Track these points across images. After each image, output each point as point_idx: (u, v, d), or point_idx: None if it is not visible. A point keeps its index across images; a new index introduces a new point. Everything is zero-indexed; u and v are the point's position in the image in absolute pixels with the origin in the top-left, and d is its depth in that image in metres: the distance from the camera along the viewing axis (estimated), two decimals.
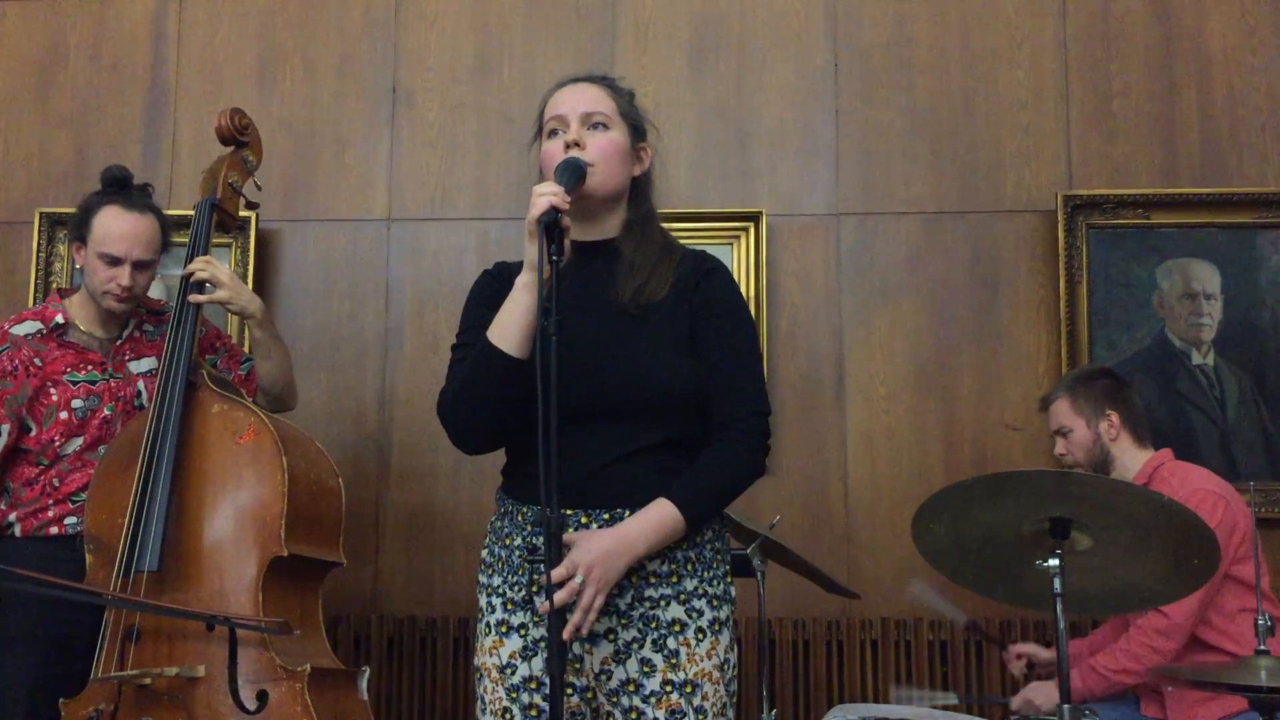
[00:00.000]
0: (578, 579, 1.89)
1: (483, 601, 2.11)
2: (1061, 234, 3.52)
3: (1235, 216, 3.54)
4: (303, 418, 3.10)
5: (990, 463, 3.47)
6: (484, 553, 2.15)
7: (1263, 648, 2.32)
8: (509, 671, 2.03)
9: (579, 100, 2.12)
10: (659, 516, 1.96)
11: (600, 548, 1.92)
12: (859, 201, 3.65)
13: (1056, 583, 2.24)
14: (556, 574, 1.86)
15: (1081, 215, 3.54)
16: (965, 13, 3.71)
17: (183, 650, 2.48)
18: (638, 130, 2.17)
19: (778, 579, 3.21)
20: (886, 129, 3.67)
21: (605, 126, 2.11)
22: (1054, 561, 2.25)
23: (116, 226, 2.78)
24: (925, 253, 3.62)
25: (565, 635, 1.86)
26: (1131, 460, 2.98)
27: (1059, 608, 2.24)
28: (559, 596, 1.86)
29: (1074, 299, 3.51)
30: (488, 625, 2.08)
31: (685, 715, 1.97)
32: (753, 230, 3.58)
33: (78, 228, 2.84)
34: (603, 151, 2.08)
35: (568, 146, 2.08)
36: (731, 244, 3.58)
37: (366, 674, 2.63)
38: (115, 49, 3.81)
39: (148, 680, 2.45)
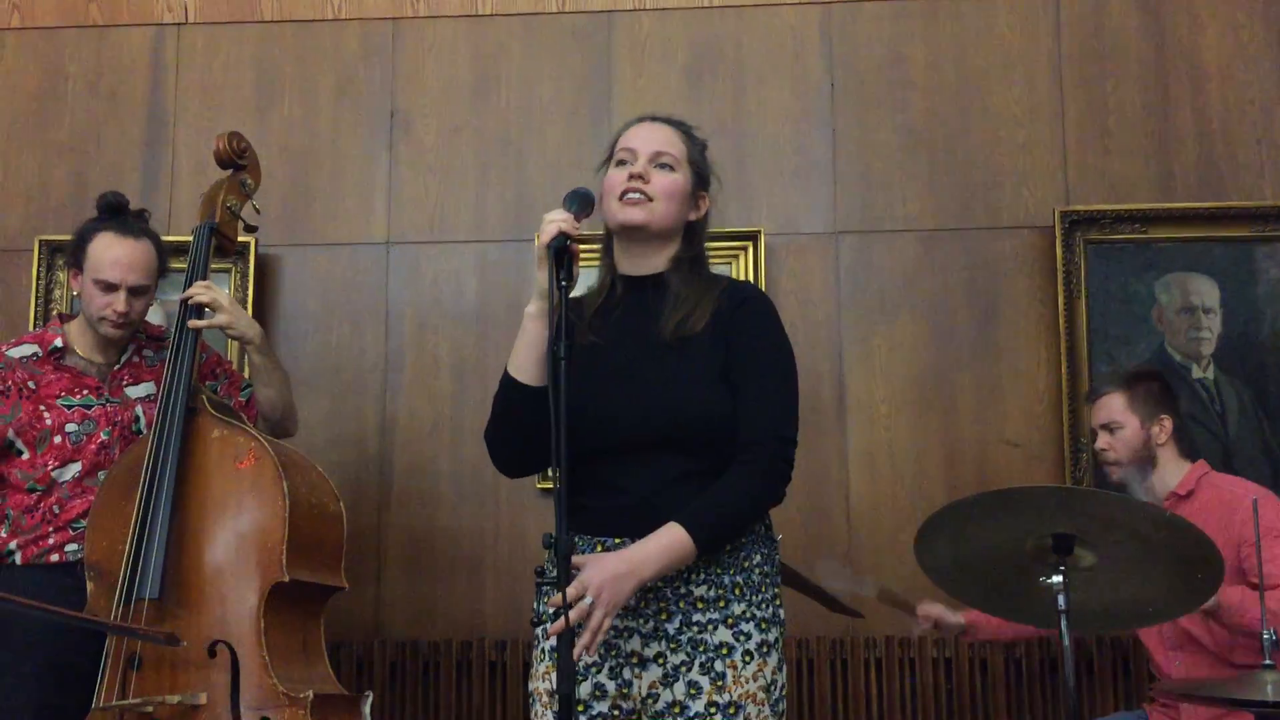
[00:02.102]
0: (587, 600, 1.90)
1: (538, 628, 2.14)
2: (1059, 250, 3.53)
3: (1232, 230, 3.54)
4: (303, 442, 3.10)
5: (991, 479, 3.46)
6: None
7: (1268, 662, 2.31)
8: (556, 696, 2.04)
9: (653, 138, 2.19)
10: (668, 541, 1.98)
11: (609, 570, 1.94)
12: (857, 220, 3.66)
13: (1061, 599, 2.24)
14: (572, 593, 1.88)
15: (1079, 231, 3.55)
16: (960, 31, 3.72)
17: (185, 678, 2.47)
18: (702, 178, 2.23)
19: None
20: (883, 147, 3.68)
21: (671, 168, 2.17)
22: (1058, 578, 2.24)
23: (111, 253, 2.78)
24: (923, 270, 3.62)
25: (575, 655, 1.88)
26: (1175, 468, 2.93)
27: (1063, 624, 2.23)
28: (570, 616, 1.88)
29: (1073, 314, 3.51)
30: (542, 651, 2.12)
31: None
32: (751, 250, 3.58)
33: (74, 254, 2.84)
34: (664, 189, 2.15)
35: (632, 178, 2.14)
36: (730, 264, 3.58)
37: (369, 699, 2.62)
38: (114, 77, 3.83)
39: (150, 708, 2.44)
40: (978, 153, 3.66)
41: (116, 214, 2.86)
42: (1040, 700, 3.39)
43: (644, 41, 3.76)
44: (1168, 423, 2.94)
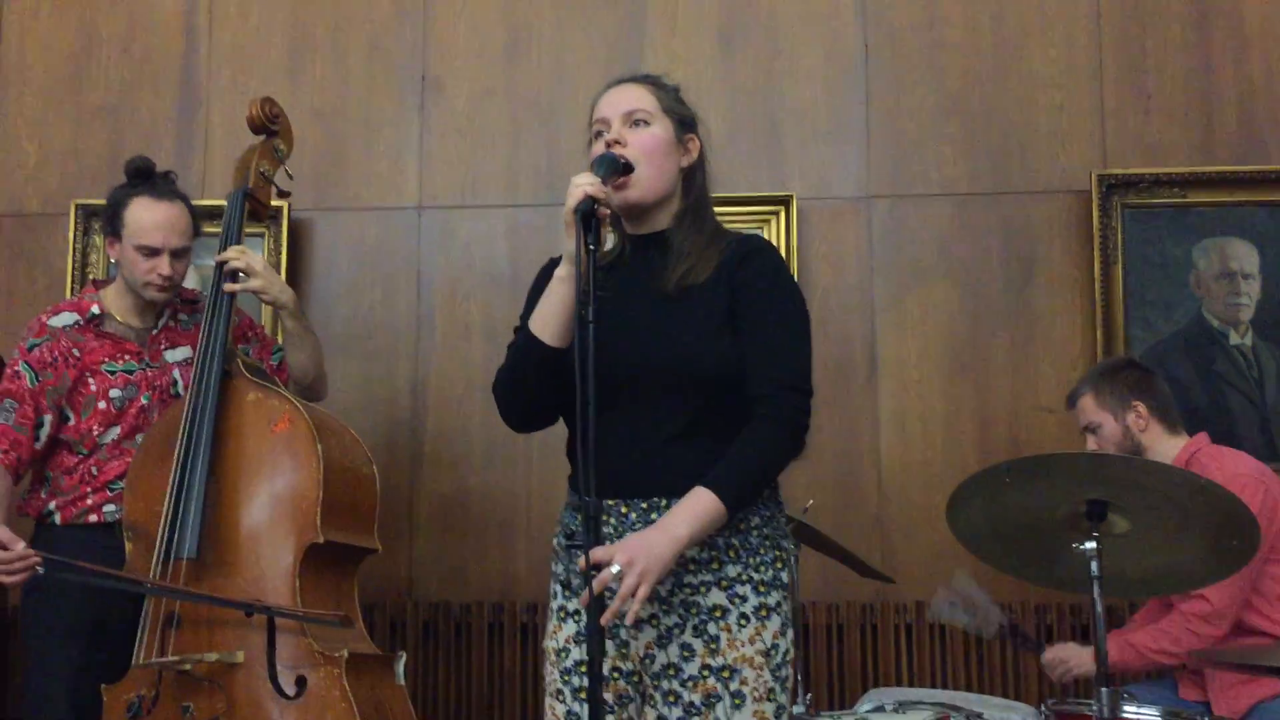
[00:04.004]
0: (614, 568, 1.89)
1: (550, 587, 2.16)
2: (1096, 214, 3.49)
3: (1273, 194, 3.49)
4: (336, 405, 3.12)
5: (1024, 445, 3.44)
6: (554, 540, 2.18)
7: None
8: (564, 655, 2.09)
9: (621, 101, 2.15)
10: (696, 504, 1.96)
11: (639, 538, 1.93)
12: (890, 184, 3.63)
13: (1094, 565, 2.23)
14: (597, 555, 1.88)
15: (1116, 195, 3.50)
16: None
17: (222, 636, 2.51)
18: (684, 123, 2.18)
19: (811, 563, 3.20)
20: (917, 110, 3.64)
21: (646, 123, 2.13)
22: (1091, 544, 2.23)
23: (149, 217, 2.80)
24: (958, 234, 3.59)
25: (603, 620, 1.87)
26: (1165, 448, 2.92)
27: (1096, 591, 2.23)
28: (595, 582, 1.87)
29: (1109, 279, 3.48)
30: (551, 610, 2.14)
31: (720, 700, 1.98)
32: (783, 214, 3.56)
33: (110, 222, 2.86)
34: (644, 148, 2.10)
35: (609, 145, 2.10)
36: (762, 228, 3.57)
37: (403, 659, 2.66)
38: (147, 41, 3.84)
39: (188, 666, 2.48)
40: (1013, 115, 3.62)
41: (146, 178, 2.87)
42: None
43: (677, 3, 3.73)
44: (1141, 407, 2.92)
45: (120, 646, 2.62)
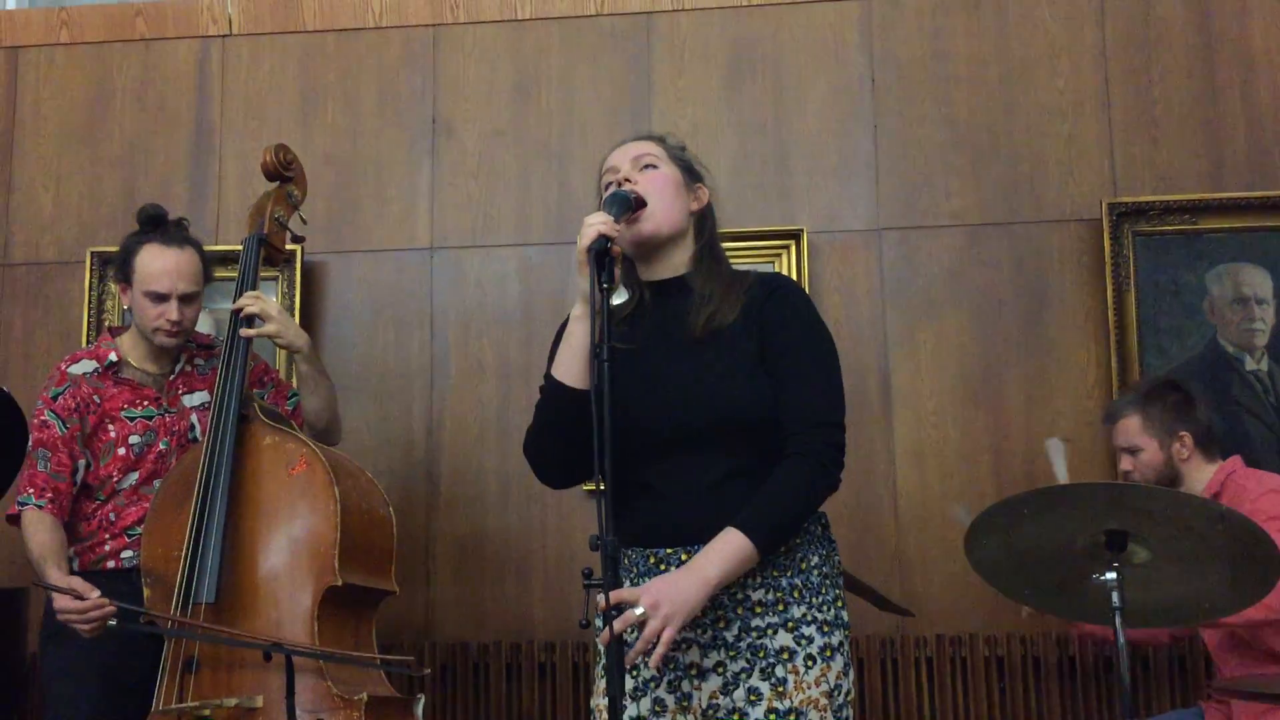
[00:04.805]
0: (637, 610, 1.88)
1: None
2: (1107, 242, 3.49)
3: None
4: (351, 447, 3.13)
5: (1042, 476, 3.41)
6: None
7: None
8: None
9: (629, 151, 2.20)
10: (724, 544, 1.96)
11: (667, 580, 1.93)
12: (900, 216, 3.63)
13: (1115, 596, 2.21)
14: (622, 595, 1.86)
15: (1127, 223, 3.50)
16: (1002, 23, 3.69)
17: (241, 680, 2.51)
18: (691, 171, 2.22)
19: None
20: (926, 142, 3.66)
21: (655, 166, 2.17)
22: (1111, 575, 2.22)
23: (158, 263, 2.83)
24: (969, 265, 3.59)
25: (627, 661, 1.86)
26: (1201, 475, 2.89)
27: (1118, 622, 2.21)
28: (617, 623, 1.86)
29: (1122, 307, 3.47)
30: (603, 668, 2.09)
31: None
32: (794, 248, 3.57)
33: (121, 269, 2.89)
34: (655, 185, 2.14)
35: (620, 185, 2.14)
36: (773, 263, 3.57)
37: (421, 701, 2.64)
38: (161, 89, 3.88)
39: (207, 712, 2.47)
40: (1022, 146, 3.63)
41: (157, 225, 2.90)
42: (1095, 699, 3.35)
43: (683, 42, 3.76)
44: (1188, 439, 2.90)
45: (139, 692, 2.61)
